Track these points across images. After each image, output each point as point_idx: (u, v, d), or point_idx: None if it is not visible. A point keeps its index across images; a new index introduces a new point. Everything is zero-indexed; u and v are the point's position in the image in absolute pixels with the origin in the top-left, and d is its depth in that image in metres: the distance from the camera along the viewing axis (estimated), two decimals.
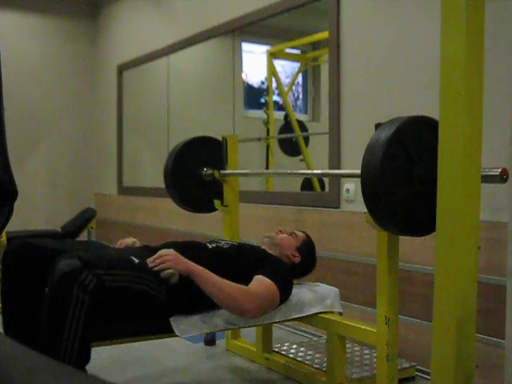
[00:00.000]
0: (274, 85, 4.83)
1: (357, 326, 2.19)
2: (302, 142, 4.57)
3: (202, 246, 2.24)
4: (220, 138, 3.02)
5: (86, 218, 4.68)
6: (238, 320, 2.09)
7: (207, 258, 2.10)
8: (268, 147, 4.73)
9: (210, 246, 2.23)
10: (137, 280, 1.89)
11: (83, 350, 1.76)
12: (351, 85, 3.08)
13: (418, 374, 2.55)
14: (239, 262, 2.18)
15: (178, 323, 1.99)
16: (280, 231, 2.42)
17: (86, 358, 1.79)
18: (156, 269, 1.91)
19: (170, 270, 1.90)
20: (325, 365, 2.46)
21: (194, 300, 2.01)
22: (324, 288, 2.41)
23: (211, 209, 2.99)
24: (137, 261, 1.96)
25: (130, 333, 2.02)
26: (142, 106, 5.54)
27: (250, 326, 2.24)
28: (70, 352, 1.72)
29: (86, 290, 1.72)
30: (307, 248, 2.41)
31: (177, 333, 1.97)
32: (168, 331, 1.99)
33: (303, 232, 2.48)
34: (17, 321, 2.00)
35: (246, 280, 2.07)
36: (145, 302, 1.92)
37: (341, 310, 2.37)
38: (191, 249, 2.16)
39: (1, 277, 2.01)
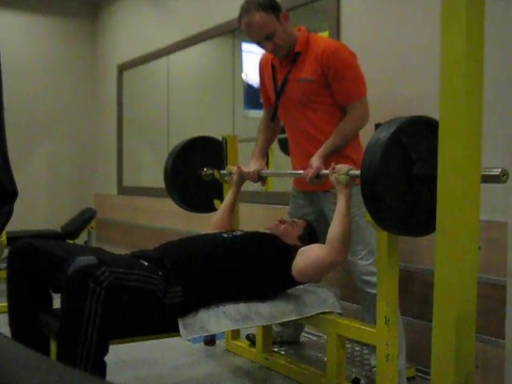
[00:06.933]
0: None
1: (357, 325, 2.19)
2: None
3: (216, 236, 2.33)
4: (220, 138, 3.01)
5: (86, 218, 4.66)
6: (242, 320, 2.12)
7: (229, 242, 2.23)
8: None
9: (226, 236, 2.31)
10: (150, 281, 1.92)
11: (102, 342, 1.78)
12: None
13: (418, 374, 2.55)
14: (259, 243, 2.28)
15: (184, 325, 2.01)
16: (280, 222, 2.43)
17: (105, 350, 1.81)
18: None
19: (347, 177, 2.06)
20: (325, 365, 2.46)
21: (207, 298, 2.09)
22: (324, 289, 2.41)
23: (211, 209, 2.99)
24: (146, 264, 1.98)
25: (136, 333, 2.04)
26: (142, 105, 5.53)
27: (251, 326, 2.24)
28: (89, 345, 1.74)
29: (102, 285, 1.74)
30: (308, 235, 2.42)
31: (182, 336, 2.00)
32: (173, 331, 2.02)
33: (303, 219, 2.48)
34: (23, 320, 2.01)
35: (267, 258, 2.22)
36: (153, 302, 1.94)
37: (341, 311, 2.37)
38: (204, 240, 2.28)
39: (6, 277, 2.03)
